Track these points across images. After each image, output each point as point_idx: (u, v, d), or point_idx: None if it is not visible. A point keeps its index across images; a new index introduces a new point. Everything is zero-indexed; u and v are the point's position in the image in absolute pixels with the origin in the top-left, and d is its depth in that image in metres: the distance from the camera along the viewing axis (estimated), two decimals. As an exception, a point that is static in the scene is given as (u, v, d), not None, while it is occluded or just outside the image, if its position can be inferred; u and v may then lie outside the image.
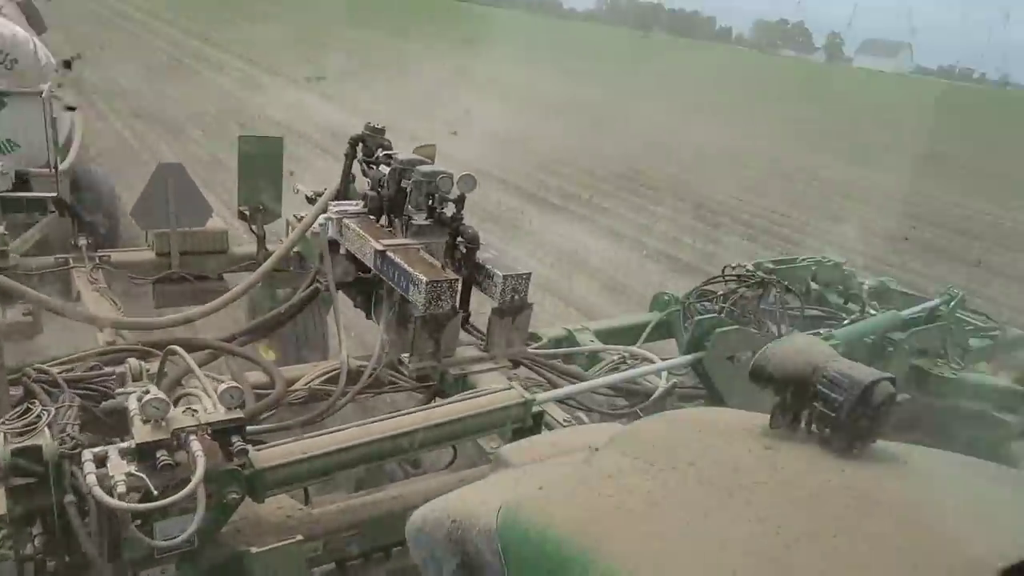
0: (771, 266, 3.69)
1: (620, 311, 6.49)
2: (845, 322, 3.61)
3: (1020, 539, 0.95)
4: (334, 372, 3.13)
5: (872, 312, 3.68)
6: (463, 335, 3.35)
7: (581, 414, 3.14)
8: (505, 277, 3.06)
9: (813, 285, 4.13)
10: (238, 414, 2.11)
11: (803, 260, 4.18)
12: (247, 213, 4.28)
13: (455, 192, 3.19)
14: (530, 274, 3.13)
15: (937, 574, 0.91)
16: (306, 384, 3.08)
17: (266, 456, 2.25)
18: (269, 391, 2.89)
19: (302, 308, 3.75)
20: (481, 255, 3.18)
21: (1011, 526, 1.00)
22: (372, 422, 2.55)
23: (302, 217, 3.84)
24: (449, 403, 2.70)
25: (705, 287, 3.62)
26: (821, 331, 3.40)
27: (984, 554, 0.92)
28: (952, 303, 3.79)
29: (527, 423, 2.72)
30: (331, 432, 2.46)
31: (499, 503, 1.23)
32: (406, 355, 3.06)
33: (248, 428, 2.60)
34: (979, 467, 1.28)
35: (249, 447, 2.14)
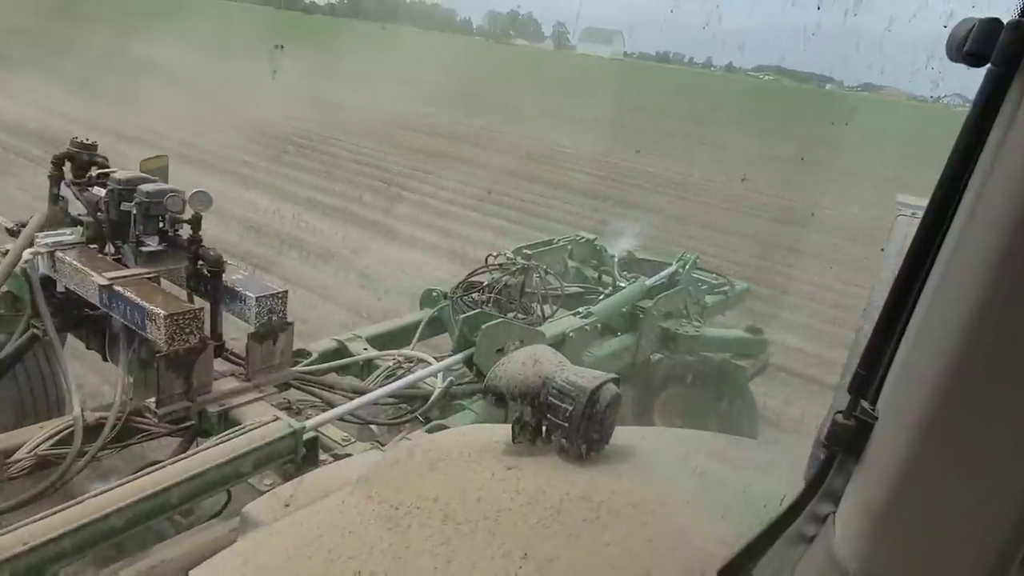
0: (529, 252, 3.83)
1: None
2: (601, 297, 3.86)
3: (736, 520, 1.02)
4: (67, 431, 2.71)
5: (622, 284, 3.96)
6: (222, 365, 3.08)
7: (373, 427, 3.03)
8: (258, 299, 2.84)
9: (571, 263, 4.36)
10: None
11: (559, 241, 4.40)
12: None
13: (188, 212, 2.89)
14: (286, 292, 2.93)
15: (667, 572, 0.95)
16: (31, 451, 2.64)
17: None
18: (-20, 469, 2.44)
19: (18, 359, 3.22)
20: (228, 277, 2.92)
21: (730, 506, 1.08)
22: (116, 486, 2.24)
23: (6, 252, 3.27)
24: (208, 448, 2.44)
25: (471, 279, 3.66)
26: (581, 309, 3.59)
27: (705, 543, 0.97)
28: (687, 266, 4.21)
29: (300, 453, 2.55)
30: (63, 509, 2.12)
31: None
32: (152, 400, 2.73)
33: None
34: (705, 442, 1.38)
35: None
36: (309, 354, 3.32)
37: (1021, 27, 0.56)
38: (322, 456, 2.70)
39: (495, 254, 3.71)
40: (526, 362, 1.20)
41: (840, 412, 0.72)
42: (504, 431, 1.27)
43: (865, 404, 0.70)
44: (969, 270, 0.58)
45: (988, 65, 0.59)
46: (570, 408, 1.14)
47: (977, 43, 0.59)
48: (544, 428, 1.20)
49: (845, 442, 0.71)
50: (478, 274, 3.66)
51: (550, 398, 1.16)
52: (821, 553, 0.74)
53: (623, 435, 1.28)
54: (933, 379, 0.61)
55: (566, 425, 1.14)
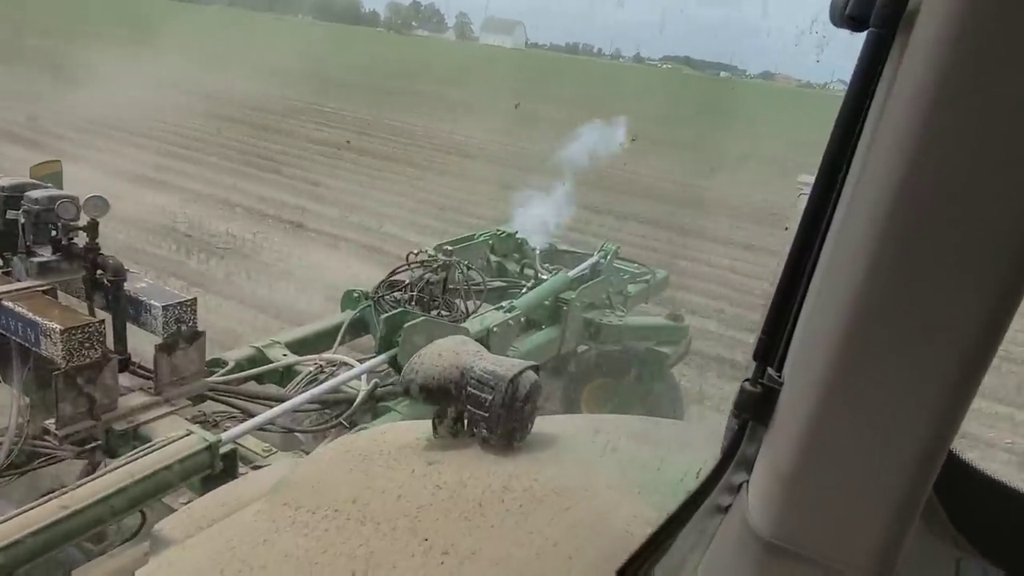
0: (450, 248, 3.79)
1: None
2: (523, 290, 3.86)
3: (656, 498, 1.02)
4: (-42, 460, 2.51)
5: (544, 276, 3.97)
6: (129, 380, 2.91)
7: (299, 435, 2.92)
8: (165, 308, 2.69)
9: (493, 257, 4.34)
10: None
11: (480, 236, 4.37)
12: None
13: (83, 218, 2.72)
14: (195, 299, 2.80)
15: (589, 556, 0.94)
16: (-84, 485, 2.43)
17: None
18: None
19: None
20: (131, 286, 2.76)
21: (650, 485, 1.08)
22: (15, 515, 2.07)
23: None
24: (116, 468, 2.30)
25: (392, 278, 3.59)
26: (504, 303, 3.58)
27: (627, 524, 0.97)
28: (607, 257, 4.26)
29: (217, 468, 2.44)
30: None
31: None
32: (52, 421, 2.56)
33: None
34: (626, 425, 1.39)
35: None
36: (225, 363, 3.18)
37: None
38: (242, 469, 2.59)
39: (416, 252, 3.66)
40: (443, 354, 1.17)
41: (748, 380, 0.72)
42: (425, 427, 1.24)
43: (772, 371, 0.71)
44: (859, 232, 0.59)
45: (869, 28, 0.60)
46: (490, 398, 1.11)
47: (857, 6, 0.60)
48: (465, 420, 1.17)
49: (753, 409, 0.71)
50: (399, 272, 3.59)
51: (469, 388, 1.13)
52: (736, 522, 0.74)
53: (545, 424, 1.27)
54: (830, 343, 0.61)
55: (487, 416, 1.12)
